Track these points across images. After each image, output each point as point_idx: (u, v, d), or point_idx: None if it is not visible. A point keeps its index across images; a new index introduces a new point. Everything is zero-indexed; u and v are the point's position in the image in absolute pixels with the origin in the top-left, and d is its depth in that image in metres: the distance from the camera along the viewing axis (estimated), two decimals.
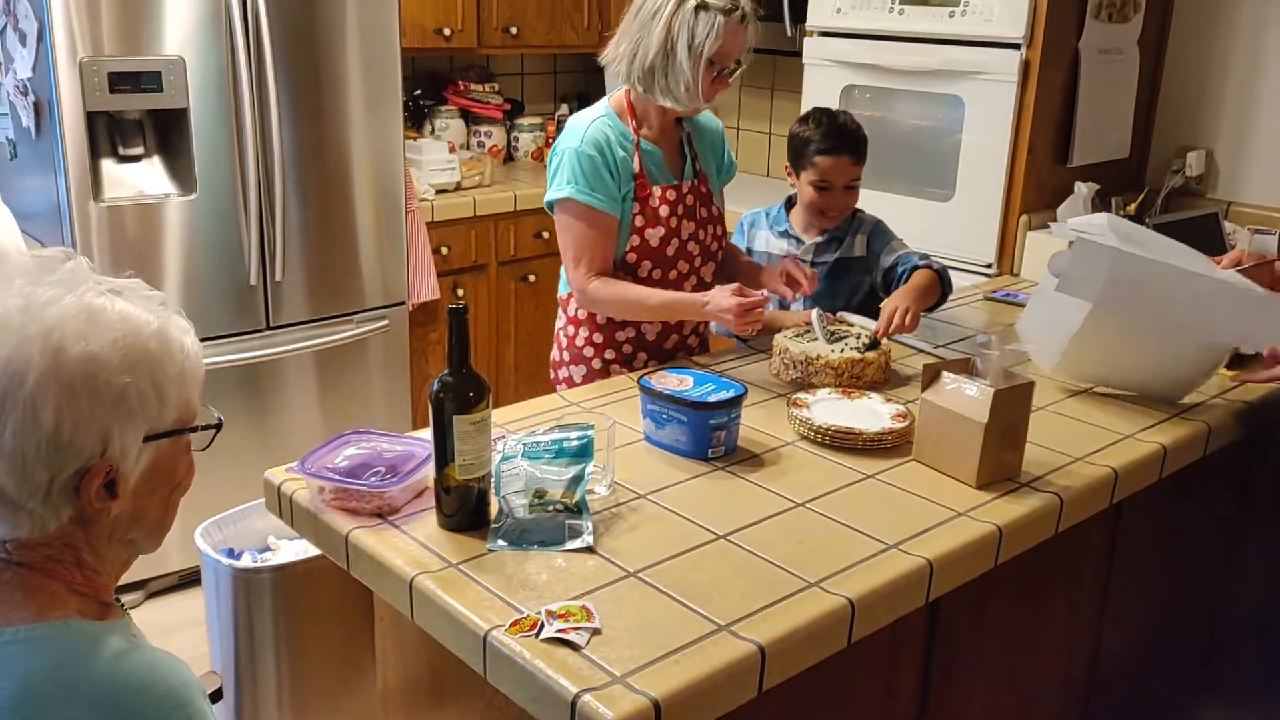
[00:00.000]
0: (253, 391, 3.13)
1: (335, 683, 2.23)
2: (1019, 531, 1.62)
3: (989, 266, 3.04)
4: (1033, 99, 2.87)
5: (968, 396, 1.70)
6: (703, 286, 2.28)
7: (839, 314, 2.40)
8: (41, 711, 0.97)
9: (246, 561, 2.22)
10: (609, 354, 2.25)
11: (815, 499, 1.65)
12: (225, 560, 2.17)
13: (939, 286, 2.37)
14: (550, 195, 2.13)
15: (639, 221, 2.15)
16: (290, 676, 2.21)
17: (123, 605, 1.17)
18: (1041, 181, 2.98)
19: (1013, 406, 1.70)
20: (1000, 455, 1.70)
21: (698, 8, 2.02)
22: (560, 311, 2.33)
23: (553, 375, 2.37)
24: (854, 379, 2.06)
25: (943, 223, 3.09)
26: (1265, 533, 2.35)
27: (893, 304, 2.20)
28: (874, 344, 2.13)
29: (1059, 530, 1.71)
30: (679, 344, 2.30)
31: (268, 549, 2.34)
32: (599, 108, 2.17)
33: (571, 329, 2.29)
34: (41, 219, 2.88)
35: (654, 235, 2.17)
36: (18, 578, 1.05)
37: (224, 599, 2.19)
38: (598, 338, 2.25)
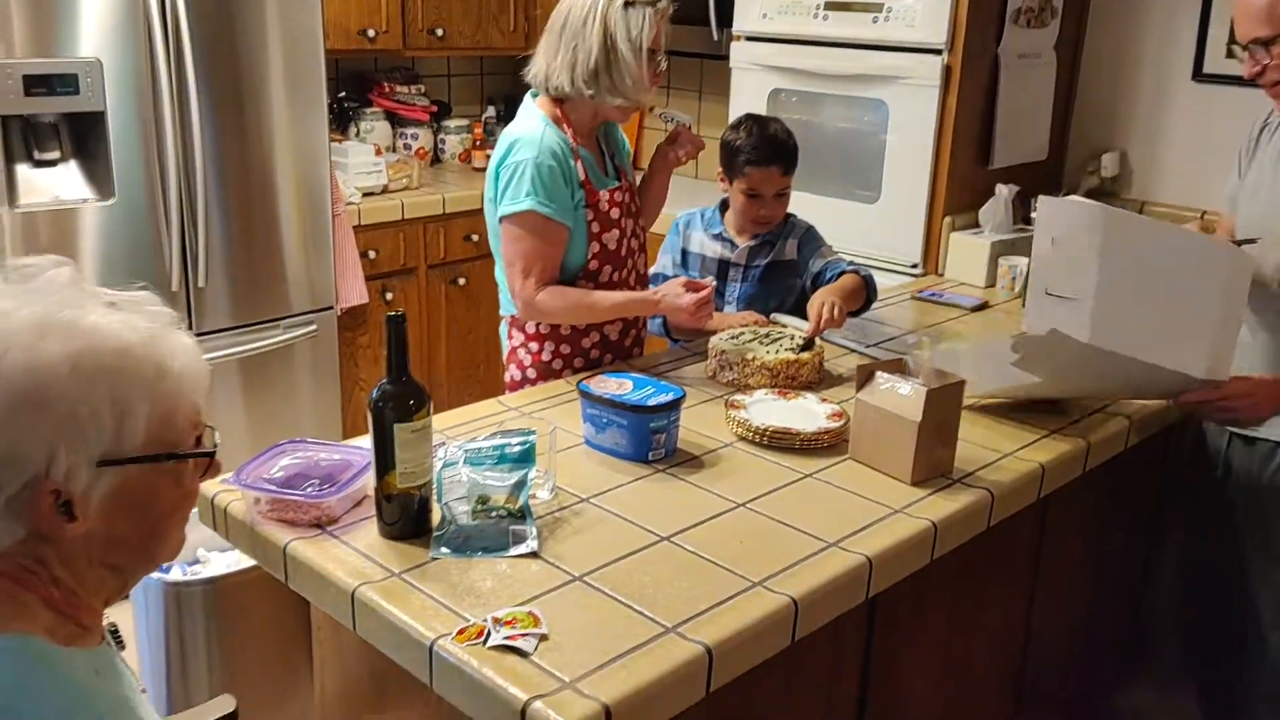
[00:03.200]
0: None
1: (271, 694, 2.19)
2: (953, 526, 1.66)
3: (914, 266, 3.10)
4: (954, 103, 2.94)
5: (901, 396, 1.73)
6: (641, 280, 2.31)
7: (772, 315, 2.44)
8: None
9: (176, 575, 2.17)
10: (578, 362, 2.24)
11: (755, 499, 1.66)
12: (154, 574, 2.12)
13: (864, 291, 2.41)
14: (510, 208, 2.07)
15: (595, 228, 2.16)
16: (223, 690, 2.16)
17: (112, 636, 1.13)
18: (964, 183, 3.04)
19: (945, 405, 1.74)
20: (934, 452, 1.74)
21: (626, 4, 2.07)
22: (513, 332, 2.28)
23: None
24: (789, 379, 2.08)
25: (870, 224, 3.15)
26: (1184, 518, 2.44)
27: (819, 299, 2.24)
28: (808, 344, 2.16)
29: (990, 524, 1.75)
30: (635, 339, 2.33)
31: (197, 561, 2.28)
32: (535, 118, 2.13)
33: (534, 345, 2.25)
34: None
35: (610, 239, 2.18)
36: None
37: (153, 614, 2.13)
38: (565, 349, 2.23)
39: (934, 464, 1.75)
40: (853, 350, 2.35)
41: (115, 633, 1.17)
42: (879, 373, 1.78)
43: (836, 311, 2.21)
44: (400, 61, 4.14)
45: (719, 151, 2.49)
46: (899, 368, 1.79)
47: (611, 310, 2.17)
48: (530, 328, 2.24)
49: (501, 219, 2.11)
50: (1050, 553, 2.16)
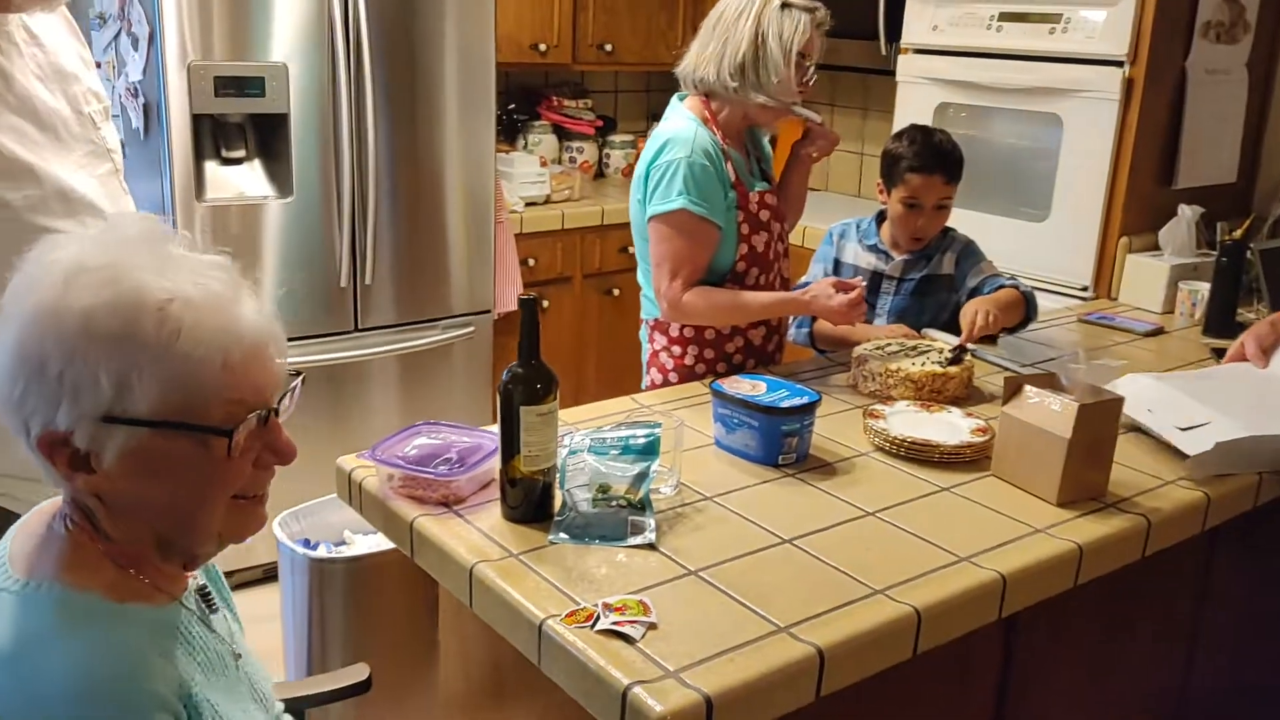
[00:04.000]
0: (338, 391, 3.19)
1: (403, 676, 2.24)
2: (1101, 552, 1.55)
3: (1085, 289, 2.94)
4: (1135, 118, 2.78)
5: (1051, 411, 1.64)
6: (785, 287, 2.27)
7: (923, 330, 2.36)
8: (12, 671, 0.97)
9: (322, 552, 2.26)
10: (720, 366, 2.22)
11: (886, 509, 1.60)
12: (301, 550, 2.21)
13: (1024, 307, 2.31)
14: (660, 207, 2.06)
15: (745, 229, 2.14)
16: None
17: (202, 598, 1.15)
18: (1143, 203, 2.88)
19: (1099, 423, 1.64)
20: (1084, 473, 1.64)
21: (783, 6, 2.06)
22: (654, 336, 2.27)
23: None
24: (934, 393, 2.01)
25: (1037, 243, 3.01)
26: None
27: (972, 307, 2.16)
28: (956, 359, 2.08)
29: (1146, 554, 1.63)
30: (778, 345, 2.31)
31: (343, 542, 2.37)
32: (684, 118, 2.12)
33: (677, 349, 2.23)
34: None
35: (759, 241, 2.17)
36: (69, 535, 1.06)
37: (299, 589, 2.22)
38: (708, 353, 2.21)
39: (1084, 485, 1.65)
40: (1006, 369, 2.25)
41: (206, 594, 1.18)
42: (1028, 386, 1.69)
43: (990, 319, 2.12)
44: (569, 76, 4.24)
45: (880, 162, 2.44)
46: (1050, 382, 1.70)
47: (762, 310, 2.14)
48: (674, 330, 2.23)
49: (651, 219, 2.10)
50: (1217, 597, 2.00)
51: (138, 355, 0.97)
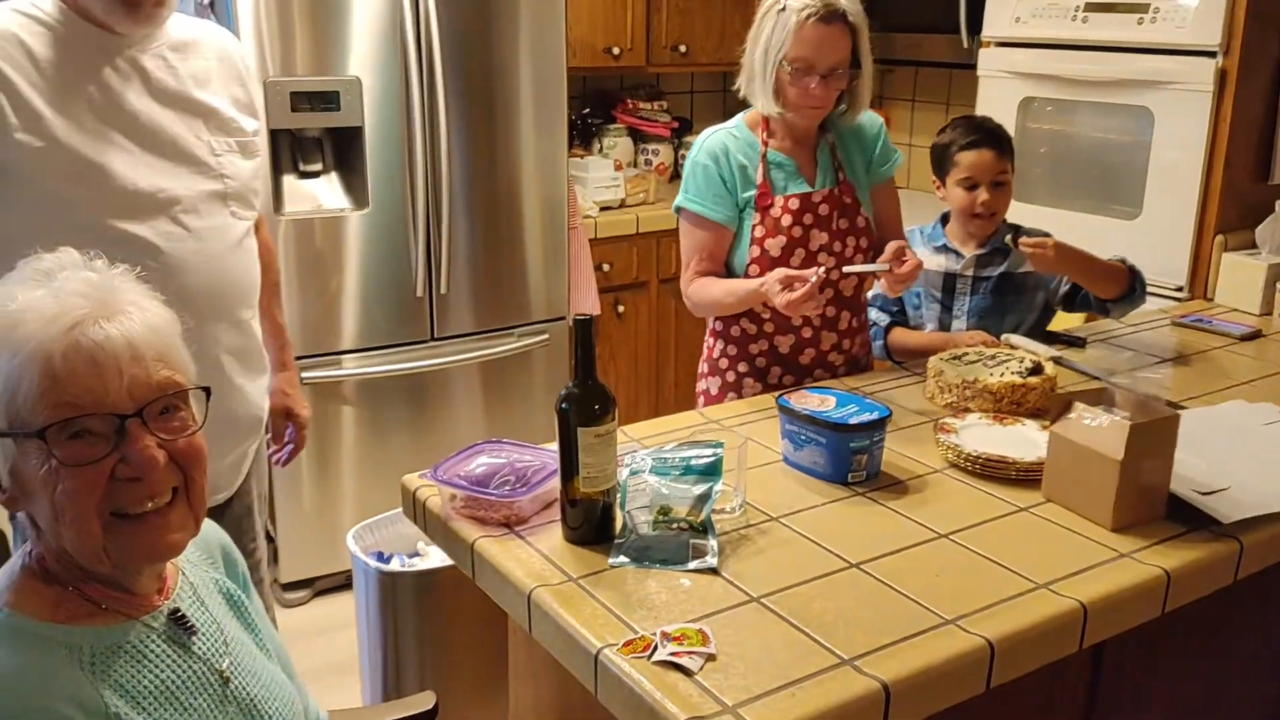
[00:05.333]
0: (417, 400, 3.22)
1: (476, 692, 2.25)
2: (1191, 577, 1.47)
3: (1179, 290, 2.82)
4: (1229, 111, 2.65)
5: (1101, 430, 1.54)
6: (839, 301, 2.17)
7: (1004, 337, 2.28)
8: None
9: (394, 565, 2.27)
10: (742, 367, 2.20)
11: (959, 530, 1.54)
12: (372, 563, 2.22)
13: (1125, 278, 2.26)
14: (676, 204, 2.16)
15: (758, 232, 2.10)
16: (432, 682, 2.24)
17: (174, 622, 1.15)
18: (1239, 199, 2.74)
19: (1153, 442, 1.53)
20: (1138, 496, 1.54)
21: (780, 10, 2.00)
22: (708, 325, 2.30)
23: (696, 388, 2.33)
24: (1014, 405, 1.93)
25: (1128, 242, 2.87)
26: None
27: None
28: (1038, 368, 2.00)
29: (1238, 578, 1.55)
30: (817, 359, 2.19)
31: (416, 554, 2.38)
32: (732, 121, 2.16)
33: (710, 340, 2.26)
34: None
35: (774, 245, 2.09)
36: (25, 560, 1.12)
37: (371, 600, 2.24)
38: (731, 350, 2.21)
39: (1139, 508, 1.54)
40: (1094, 378, 2.16)
41: (178, 618, 1.17)
42: (1077, 403, 1.60)
43: (1051, 248, 2.12)
44: (645, 78, 4.21)
45: (930, 160, 2.38)
46: (1101, 398, 1.61)
47: (725, 297, 2.10)
48: (711, 323, 2.24)
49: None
50: None
51: None
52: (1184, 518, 1.57)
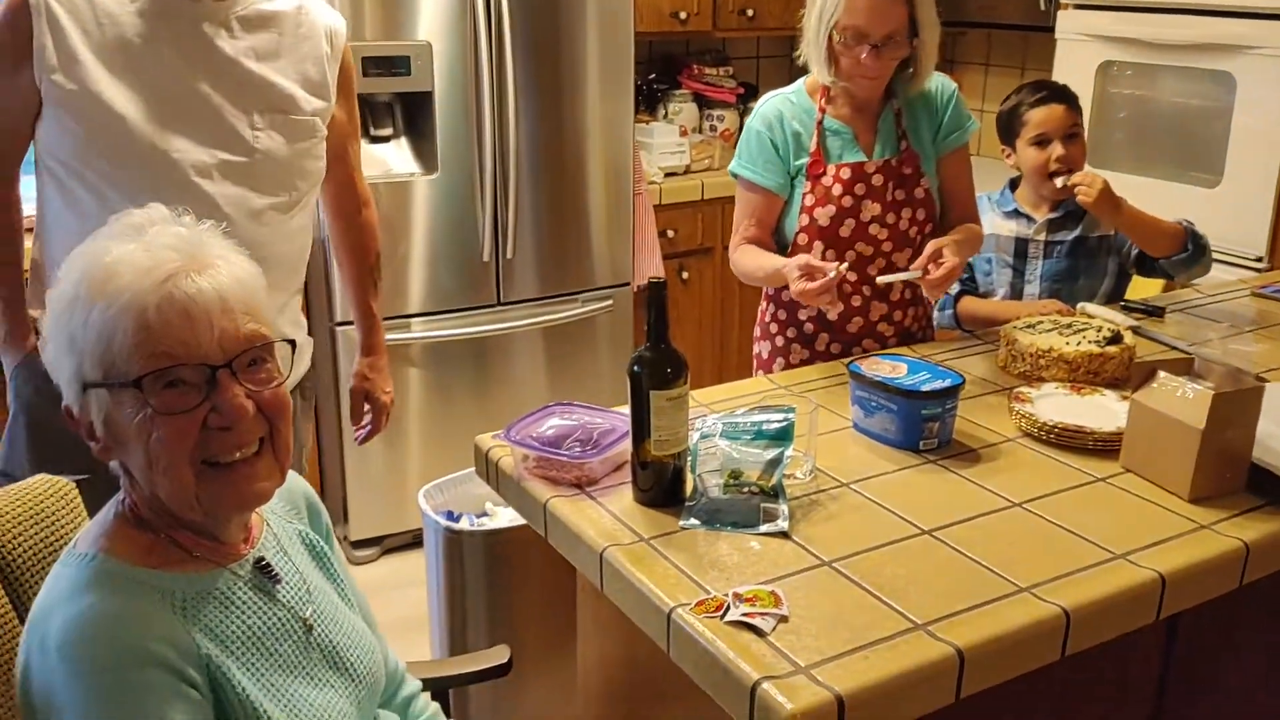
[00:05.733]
0: (482, 364, 3.26)
1: (542, 650, 2.28)
2: (1269, 551, 1.45)
3: (1259, 260, 2.75)
4: None
5: (1184, 399, 1.52)
6: (893, 272, 2.10)
7: (1080, 306, 2.24)
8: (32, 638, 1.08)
9: (463, 524, 2.31)
10: (790, 332, 2.19)
11: (1034, 500, 1.53)
12: (442, 521, 2.26)
13: (1183, 239, 2.23)
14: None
15: (809, 200, 2.07)
16: (500, 638, 2.27)
17: (260, 570, 1.19)
18: None
19: (1236, 413, 1.50)
20: (1219, 467, 1.51)
21: None
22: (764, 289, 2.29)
23: (752, 350, 2.32)
24: (1091, 375, 1.90)
25: (1208, 210, 2.81)
26: None
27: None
28: (1116, 337, 1.96)
29: None
30: (866, 328, 2.16)
31: (485, 514, 2.42)
32: (790, 86, 2.14)
33: (764, 305, 2.26)
34: None
35: (823, 214, 2.06)
36: (119, 507, 1.16)
37: (440, 558, 2.28)
38: (782, 315, 2.20)
39: (1219, 480, 1.52)
40: (1172, 348, 2.12)
41: (263, 566, 1.21)
42: (1160, 371, 1.58)
43: (1101, 185, 2.10)
44: (710, 43, 4.18)
45: (996, 128, 2.34)
46: (1186, 368, 1.58)
47: (756, 270, 2.08)
48: (766, 288, 2.23)
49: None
50: None
51: (83, 315, 1.07)
52: (1264, 490, 1.54)
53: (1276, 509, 1.50)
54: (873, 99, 2.08)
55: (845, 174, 2.06)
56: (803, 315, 2.17)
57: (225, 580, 1.16)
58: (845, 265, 1.91)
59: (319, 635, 1.24)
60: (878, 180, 2.07)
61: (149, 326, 1.06)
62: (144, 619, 1.07)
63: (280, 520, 1.31)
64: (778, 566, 1.36)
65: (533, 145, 3.17)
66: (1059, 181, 2.20)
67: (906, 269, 2.04)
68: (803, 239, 2.08)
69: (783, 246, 2.12)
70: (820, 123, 2.08)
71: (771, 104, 2.11)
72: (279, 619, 1.19)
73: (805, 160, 2.07)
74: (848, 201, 2.06)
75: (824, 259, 2.06)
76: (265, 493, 1.17)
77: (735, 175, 2.14)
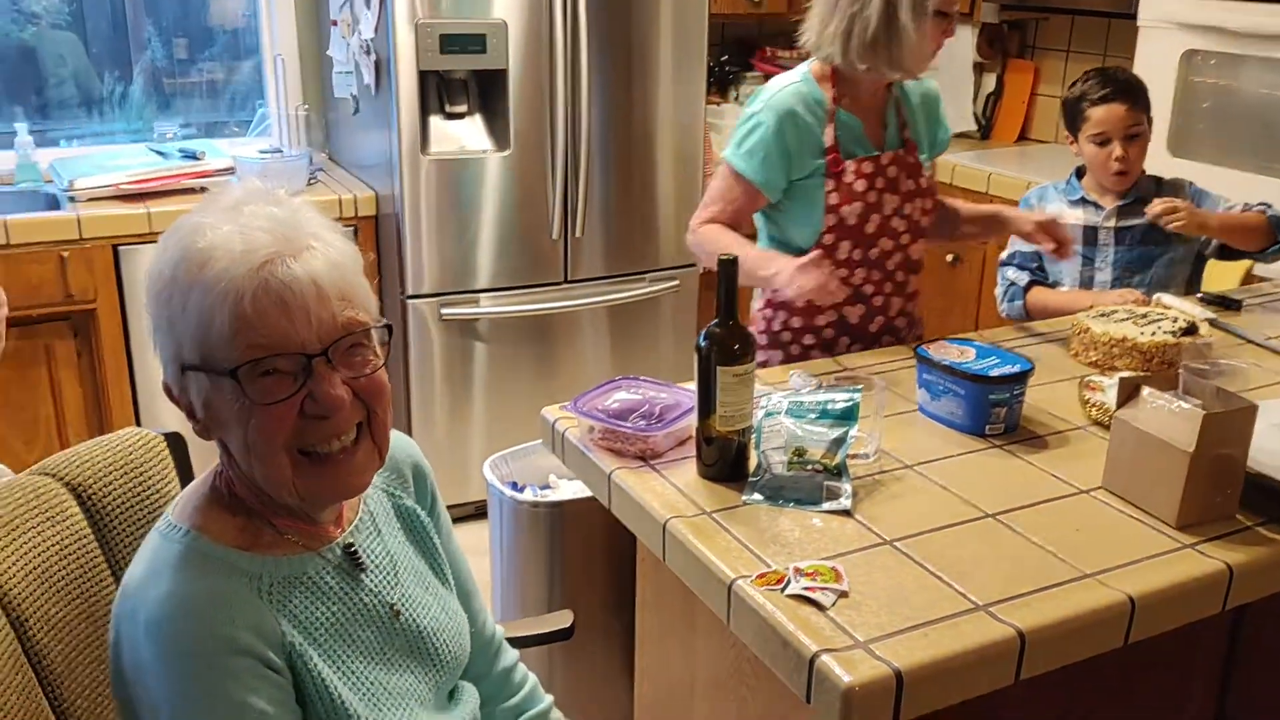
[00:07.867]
0: (549, 340, 3.29)
1: (602, 618, 2.31)
2: None
3: None
4: None
5: (1172, 418, 1.43)
6: (908, 265, 2.11)
7: (1156, 296, 2.21)
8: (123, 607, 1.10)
9: (528, 495, 2.34)
10: (808, 339, 2.12)
11: (1101, 488, 1.52)
12: (508, 492, 2.30)
13: (1268, 231, 2.19)
14: (724, 153, 2.05)
15: (834, 199, 2.00)
16: (561, 606, 2.31)
17: (347, 556, 1.18)
18: None
19: (1228, 435, 1.41)
20: (1209, 492, 1.42)
21: None
22: (757, 292, 2.20)
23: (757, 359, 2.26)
24: (1164, 365, 1.87)
25: None
26: None
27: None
28: (1192, 328, 1.93)
29: None
30: (885, 326, 2.13)
31: (548, 486, 2.45)
32: (797, 72, 2.02)
33: (769, 312, 2.15)
34: (377, 169, 3.16)
35: (850, 212, 2.00)
36: (213, 484, 1.16)
37: (504, 529, 2.32)
38: (795, 322, 2.11)
39: (1208, 506, 1.43)
40: (1249, 341, 2.07)
41: (351, 552, 1.20)
42: (1146, 388, 1.49)
43: (1185, 211, 2.09)
44: (785, 26, 4.15)
45: (1062, 115, 2.32)
46: (1173, 383, 1.49)
47: (727, 251, 1.99)
48: (770, 291, 2.11)
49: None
50: None
51: (180, 300, 1.06)
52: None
53: None
54: (880, 90, 2.04)
55: (867, 168, 2.01)
56: (820, 321, 2.10)
57: (314, 565, 1.16)
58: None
59: (405, 620, 1.23)
60: (893, 172, 2.04)
61: (245, 317, 1.04)
62: (231, 605, 1.07)
63: (379, 495, 1.30)
64: (839, 544, 1.37)
65: (604, 125, 3.19)
66: (1148, 216, 2.18)
67: (919, 261, 2.13)
68: (829, 239, 2.02)
69: (794, 253, 1.99)
70: (833, 114, 2.00)
71: (781, 96, 1.99)
72: (364, 605, 1.19)
73: (820, 161, 2.00)
74: (872, 197, 2.02)
75: (851, 258, 2.04)
76: (363, 484, 1.16)
77: (724, 159, 2.04)
